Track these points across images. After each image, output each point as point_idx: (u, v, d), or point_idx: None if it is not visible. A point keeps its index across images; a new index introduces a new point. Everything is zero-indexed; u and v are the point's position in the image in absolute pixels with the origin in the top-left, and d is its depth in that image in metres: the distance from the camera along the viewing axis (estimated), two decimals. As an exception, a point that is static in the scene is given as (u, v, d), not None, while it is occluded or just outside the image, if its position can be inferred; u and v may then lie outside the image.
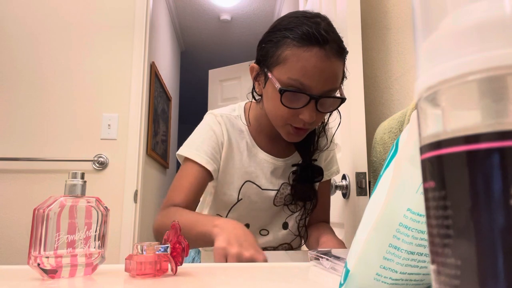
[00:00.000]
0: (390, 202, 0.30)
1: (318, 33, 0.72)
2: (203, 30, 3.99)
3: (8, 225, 1.86)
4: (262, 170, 0.91)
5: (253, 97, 0.91)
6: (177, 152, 0.89)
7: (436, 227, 0.15)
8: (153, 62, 2.53)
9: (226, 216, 0.91)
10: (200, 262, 1.01)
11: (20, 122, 1.95)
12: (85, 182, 0.48)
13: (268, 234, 0.94)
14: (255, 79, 0.86)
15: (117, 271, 0.49)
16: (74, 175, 0.47)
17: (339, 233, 1.06)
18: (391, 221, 0.30)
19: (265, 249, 0.92)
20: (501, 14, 0.13)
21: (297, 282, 0.46)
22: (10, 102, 1.96)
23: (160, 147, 2.91)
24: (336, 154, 1.05)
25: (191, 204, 0.83)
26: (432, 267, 0.15)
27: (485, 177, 0.13)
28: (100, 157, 1.93)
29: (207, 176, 0.85)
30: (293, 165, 0.92)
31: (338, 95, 0.80)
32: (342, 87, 0.82)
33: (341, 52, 0.76)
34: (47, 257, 0.43)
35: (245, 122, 0.92)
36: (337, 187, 1.22)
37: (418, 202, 0.29)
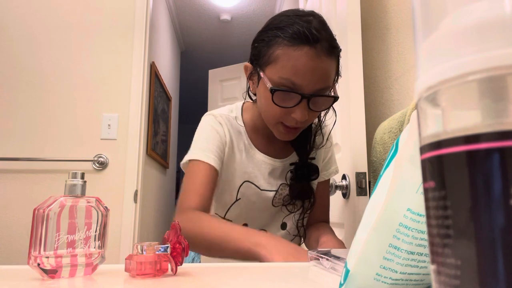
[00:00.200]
0: (390, 202, 0.30)
1: (308, 32, 0.72)
2: (203, 30, 3.99)
3: (8, 225, 1.86)
4: (260, 171, 0.91)
5: (249, 97, 0.91)
6: (182, 162, 0.88)
7: (436, 227, 0.15)
8: (153, 62, 2.53)
9: (224, 216, 0.91)
10: (200, 262, 1.01)
11: (20, 122, 1.95)
12: (85, 182, 0.48)
13: (267, 234, 0.94)
14: (249, 78, 0.86)
15: (117, 271, 0.49)
16: (74, 175, 0.47)
17: (339, 233, 1.06)
18: (391, 221, 0.30)
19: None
20: (501, 14, 0.13)
21: (297, 282, 0.46)
22: (10, 102, 1.96)
23: (160, 147, 2.91)
24: (335, 154, 1.05)
25: (207, 205, 0.81)
26: (432, 267, 0.15)
27: (485, 177, 0.13)
28: (100, 157, 1.93)
29: (216, 174, 0.84)
30: (290, 164, 0.92)
31: (332, 93, 0.80)
32: (336, 85, 0.82)
33: (332, 50, 0.76)
34: (47, 257, 0.43)
35: (242, 124, 0.92)
36: (337, 187, 1.22)
37: (418, 202, 0.29)
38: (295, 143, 0.92)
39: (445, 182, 0.14)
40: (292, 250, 0.63)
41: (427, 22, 0.16)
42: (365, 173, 1.13)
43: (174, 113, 3.75)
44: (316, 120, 0.92)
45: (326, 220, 1.02)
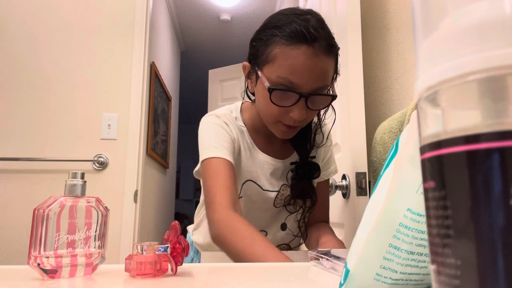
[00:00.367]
0: (390, 202, 0.30)
1: (306, 31, 0.72)
2: (203, 30, 3.99)
3: (8, 225, 1.86)
4: (263, 171, 0.91)
5: (248, 96, 0.91)
6: (195, 170, 0.87)
7: (436, 227, 0.15)
8: (153, 62, 2.53)
9: None
10: (199, 262, 1.01)
11: (20, 122, 1.95)
12: (85, 182, 0.48)
13: (266, 235, 0.94)
14: (247, 77, 0.85)
15: (117, 271, 0.49)
16: (74, 175, 0.47)
17: (339, 233, 1.06)
18: (391, 221, 0.30)
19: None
20: (501, 14, 0.13)
21: (297, 282, 0.46)
22: (10, 102, 1.96)
23: (160, 147, 2.91)
24: (335, 154, 1.05)
25: (236, 198, 0.79)
26: (432, 267, 0.15)
27: (485, 177, 0.13)
28: (100, 157, 1.93)
29: (233, 167, 0.83)
30: (291, 163, 0.92)
31: (331, 92, 0.80)
32: (335, 84, 0.82)
33: (330, 49, 0.76)
34: (47, 257, 0.43)
35: (242, 124, 0.92)
36: (337, 187, 1.22)
37: (418, 202, 0.29)
38: (295, 142, 0.92)
39: (445, 182, 0.14)
40: None
41: (427, 22, 0.16)
42: (365, 173, 1.13)
43: (174, 113, 3.75)
44: (316, 119, 0.92)
45: (326, 220, 1.02)
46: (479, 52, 0.13)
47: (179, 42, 4.15)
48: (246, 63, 0.85)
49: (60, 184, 1.87)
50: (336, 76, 0.82)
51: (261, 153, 0.91)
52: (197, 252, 1.02)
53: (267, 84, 0.76)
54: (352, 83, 1.16)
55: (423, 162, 0.16)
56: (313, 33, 0.72)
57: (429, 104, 0.15)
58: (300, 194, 0.92)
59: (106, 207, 0.48)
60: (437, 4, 0.16)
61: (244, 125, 0.91)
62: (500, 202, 0.12)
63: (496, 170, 0.13)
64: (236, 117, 0.92)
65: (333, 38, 0.77)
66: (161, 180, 3.10)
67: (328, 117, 0.94)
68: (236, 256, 0.70)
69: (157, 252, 0.45)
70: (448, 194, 0.14)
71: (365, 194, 1.12)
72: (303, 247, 1.04)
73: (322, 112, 0.90)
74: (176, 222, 0.49)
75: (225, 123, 0.88)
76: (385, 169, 0.32)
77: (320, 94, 0.77)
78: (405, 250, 0.30)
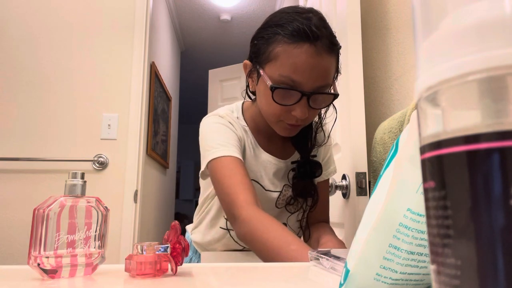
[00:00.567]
0: (390, 202, 0.30)
1: (308, 29, 0.72)
2: (203, 30, 3.99)
3: (8, 225, 1.86)
4: (265, 170, 0.91)
5: (248, 96, 0.90)
6: (201, 170, 0.85)
7: (436, 227, 0.15)
8: (153, 62, 2.53)
9: None
10: (197, 262, 1.00)
11: (20, 122, 1.95)
12: (85, 182, 0.48)
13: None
14: (249, 76, 0.85)
15: (117, 271, 0.49)
16: (74, 175, 0.47)
17: (339, 233, 1.06)
18: (391, 221, 0.30)
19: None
20: (501, 14, 0.13)
21: (297, 282, 0.46)
22: (10, 102, 1.96)
23: (160, 147, 2.91)
24: (335, 154, 1.05)
25: (255, 194, 0.77)
26: (432, 267, 0.15)
27: (485, 177, 0.13)
28: (100, 157, 1.93)
29: (245, 165, 0.81)
30: (292, 162, 0.92)
31: (332, 91, 0.79)
32: (336, 82, 0.82)
33: (332, 48, 0.76)
34: (47, 257, 0.43)
35: (245, 123, 0.91)
36: (337, 187, 1.22)
37: (418, 202, 0.29)
38: (296, 141, 0.92)
39: (445, 182, 0.14)
40: None
41: (427, 22, 0.16)
42: (365, 173, 1.13)
43: (174, 113, 3.75)
44: (317, 117, 0.92)
45: (326, 220, 1.02)
46: (479, 52, 0.13)
47: (179, 42, 4.15)
48: (247, 61, 0.85)
49: (60, 184, 1.87)
50: (337, 75, 0.82)
51: (264, 152, 0.91)
52: (195, 252, 1.02)
53: (269, 82, 0.76)
54: (352, 83, 1.16)
55: (423, 162, 0.16)
56: (315, 32, 0.72)
57: (429, 104, 0.15)
58: (301, 193, 0.92)
59: (106, 207, 0.48)
60: (437, 4, 0.16)
61: (246, 125, 0.91)
62: (500, 202, 0.12)
63: (496, 170, 0.13)
64: (237, 117, 0.92)
65: (335, 37, 0.77)
66: (161, 180, 3.10)
67: (328, 116, 0.94)
68: (269, 253, 0.68)
69: (157, 252, 0.45)
70: (448, 194, 0.14)
71: (365, 194, 1.12)
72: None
73: (323, 111, 0.90)
74: (176, 222, 0.49)
75: (230, 122, 0.88)
76: (385, 169, 0.32)
77: (322, 93, 0.77)
78: (405, 250, 0.30)
